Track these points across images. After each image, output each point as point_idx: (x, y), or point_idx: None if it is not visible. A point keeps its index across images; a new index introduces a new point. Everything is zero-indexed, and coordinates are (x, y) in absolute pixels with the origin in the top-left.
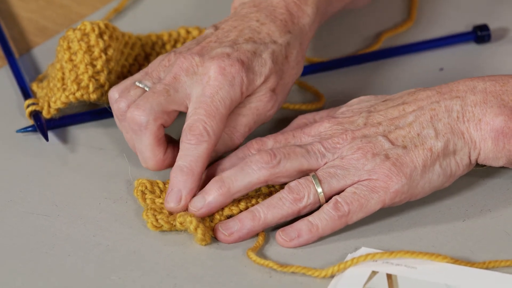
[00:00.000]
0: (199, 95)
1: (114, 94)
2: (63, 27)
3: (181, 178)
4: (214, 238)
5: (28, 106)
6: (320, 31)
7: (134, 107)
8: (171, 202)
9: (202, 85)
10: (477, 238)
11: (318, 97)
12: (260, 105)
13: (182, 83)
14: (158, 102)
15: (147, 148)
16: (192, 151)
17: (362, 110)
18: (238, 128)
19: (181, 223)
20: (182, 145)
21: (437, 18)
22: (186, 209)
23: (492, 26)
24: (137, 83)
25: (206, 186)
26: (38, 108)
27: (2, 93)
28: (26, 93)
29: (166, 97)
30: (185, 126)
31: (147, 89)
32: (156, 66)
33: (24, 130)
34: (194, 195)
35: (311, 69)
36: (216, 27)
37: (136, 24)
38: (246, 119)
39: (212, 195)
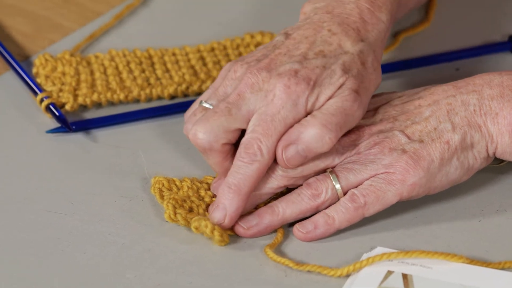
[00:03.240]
0: (261, 113)
1: (185, 119)
2: (78, 24)
3: (228, 195)
4: (230, 236)
5: (41, 100)
6: None
7: (194, 130)
8: (216, 218)
9: (265, 103)
10: (493, 238)
11: None
12: (347, 105)
13: (246, 100)
14: (219, 123)
15: (216, 166)
16: (243, 169)
17: (378, 106)
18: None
19: (196, 228)
20: (235, 161)
21: (454, 19)
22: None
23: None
24: (203, 104)
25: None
26: (53, 101)
27: (9, 93)
28: (36, 88)
29: (227, 117)
30: (241, 142)
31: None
32: (222, 78)
33: (55, 130)
34: (240, 213)
35: None
36: (286, 35)
37: (149, 22)
38: (336, 118)
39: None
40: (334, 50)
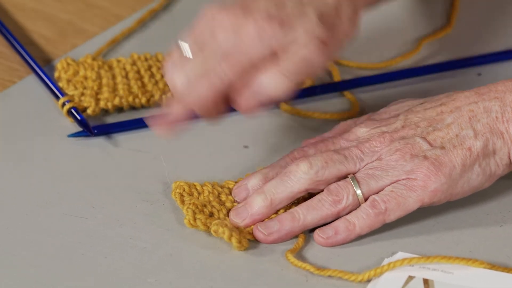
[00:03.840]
0: (230, 46)
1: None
2: (100, 28)
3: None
4: (251, 241)
5: (63, 104)
6: (358, 35)
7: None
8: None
9: (236, 37)
10: None
11: (353, 105)
12: (310, 55)
13: (219, 42)
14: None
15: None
16: (197, 88)
17: (399, 112)
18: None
19: (215, 232)
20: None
21: (476, 24)
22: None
23: None
24: (182, 43)
25: (248, 198)
26: (75, 105)
27: (31, 97)
28: (58, 92)
29: None
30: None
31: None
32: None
33: (77, 134)
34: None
35: (352, 84)
36: None
37: (171, 26)
38: (295, 68)
39: (256, 207)
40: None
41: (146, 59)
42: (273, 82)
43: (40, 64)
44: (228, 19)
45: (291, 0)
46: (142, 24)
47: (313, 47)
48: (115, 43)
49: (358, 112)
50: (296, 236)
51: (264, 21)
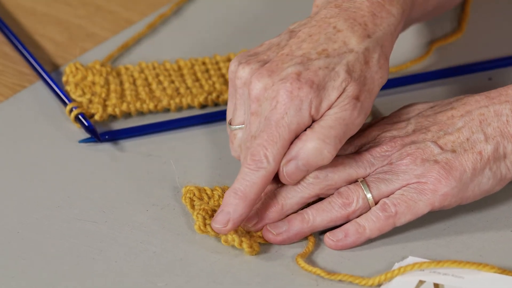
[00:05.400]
0: (266, 119)
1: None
2: (111, 33)
3: (233, 201)
4: (262, 246)
5: (71, 110)
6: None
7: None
8: (217, 223)
9: (270, 108)
10: None
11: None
12: (346, 115)
13: (258, 116)
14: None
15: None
16: (250, 176)
17: (410, 116)
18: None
19: (225, 241)
20: (241, 168)
21: (487, 28)
22: (234, 230)
23: None
24: (231, 128)
25: (260, 202)
26: (82, 111)
27: (40, 102)
28: (66, 98)
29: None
30: (247, 149)
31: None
32: (234, 88)
33: (89, 140)
34: (243, 220)
35: None
36: (291, 33)
37: (181, 31)
38: (334, 131)
39: (267, 212)
40: (338, 49)
41: (154, 68)
42: (314, 150)
43: (50, 68)
44: (257, 89)
45: (315, 51)
46: (152, 29)
47: (349, 106)
48: (125, 48)
49: (369, 117)
50: (306, 239)
51: (294, 85)
